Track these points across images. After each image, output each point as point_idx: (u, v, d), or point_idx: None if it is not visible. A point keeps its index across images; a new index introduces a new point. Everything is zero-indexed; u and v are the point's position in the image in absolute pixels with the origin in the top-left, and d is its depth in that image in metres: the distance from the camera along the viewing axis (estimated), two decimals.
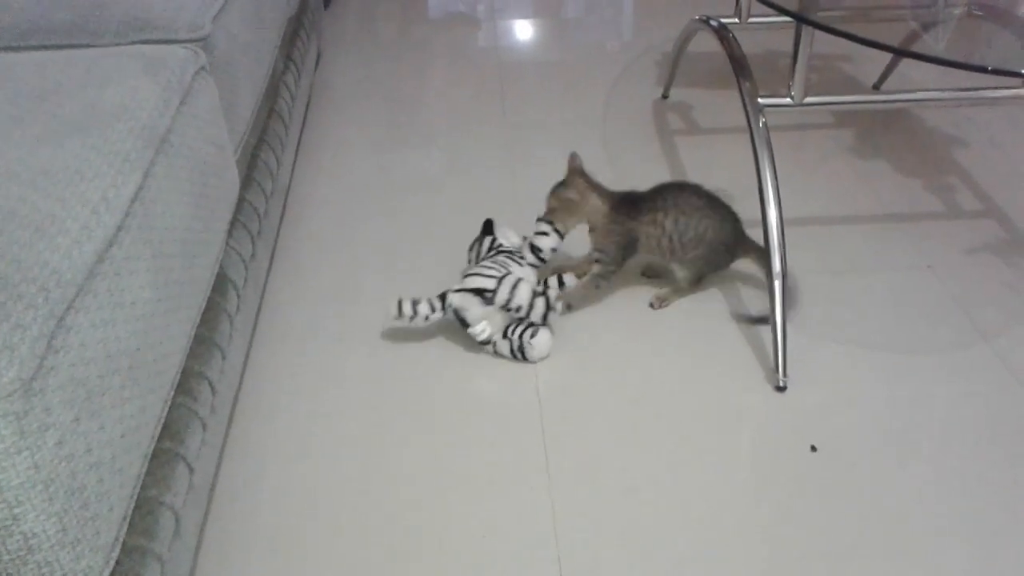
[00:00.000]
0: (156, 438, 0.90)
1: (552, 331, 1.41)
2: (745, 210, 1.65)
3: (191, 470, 0.99)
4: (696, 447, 1.25)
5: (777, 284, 1.38)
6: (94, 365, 0.75)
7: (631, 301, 1.51)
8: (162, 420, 0.91)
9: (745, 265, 1.53)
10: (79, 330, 0.74)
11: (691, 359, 1.40)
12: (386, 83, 2.30)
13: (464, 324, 1.39)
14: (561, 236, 1.49)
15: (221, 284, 1.20)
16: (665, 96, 2.18)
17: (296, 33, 2.00)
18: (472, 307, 1.38)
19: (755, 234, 1.64)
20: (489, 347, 1.41)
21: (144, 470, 0.86)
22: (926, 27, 1.45)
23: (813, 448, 1.24)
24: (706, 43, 2.30)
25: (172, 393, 0.95)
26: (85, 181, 0.84)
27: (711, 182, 1.81)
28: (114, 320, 0.80)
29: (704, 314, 1.49)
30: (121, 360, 0.80)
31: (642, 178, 1.83)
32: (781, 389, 1.34)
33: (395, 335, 1.46)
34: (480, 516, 1.16)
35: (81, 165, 0.85)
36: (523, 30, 2.61)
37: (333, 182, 1.88)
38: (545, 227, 1.50)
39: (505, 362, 1.40)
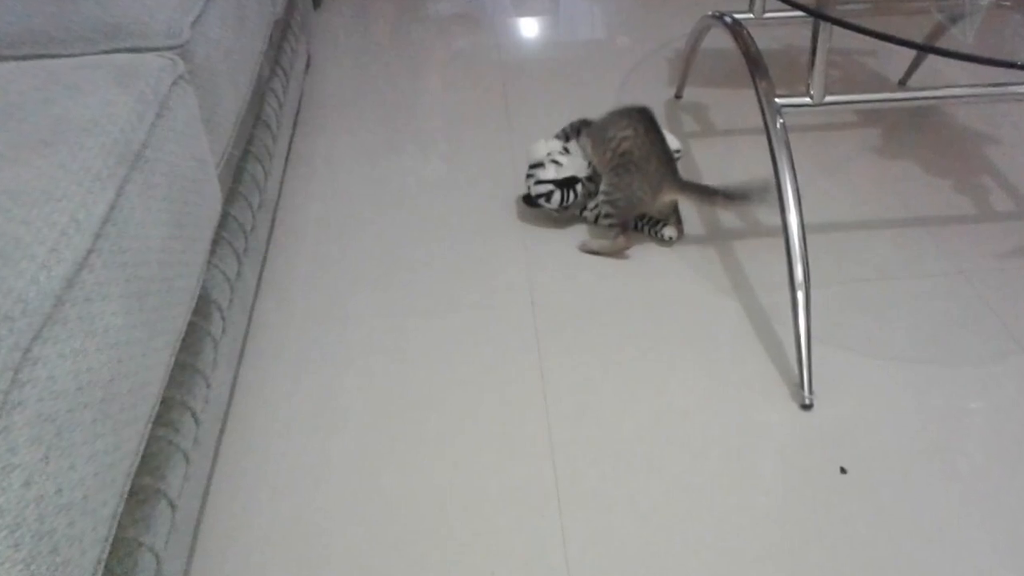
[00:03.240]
0: (133, 475, 0.88)
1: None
2: (764, 216, 1.64)
3: (173, 508, 0.98)
4: (715, 470, 1.23)
5: (800, 295, 1.36)
6: (64, 399, 0.74)
7: (644, 315, 1.50)
8: (139, 455, 0.90)
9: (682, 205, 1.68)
10: (47, 362, 0.73)
11: (709, 375, 1.39)
12: (381, 87, 2.30)
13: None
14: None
15: (204, 306, 1.19)
16: (678, 96, 2.17)
17: (283, 36, 2.00)
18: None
19: (776, 241, 1.63)
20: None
21: (120, 510, 0.85)
22: (952, 20, 1.44)
23: (843, 470, 1.23)
24: (720, 40, 2.29)
25: (150, 426, 0.93)
26: (53, 201, 0.83)
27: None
28: (85, 350, 0.79)
29: (722, 327, 1.47)
30: (93, 392, 0.79)
31: None
32: (807, 407, 1.32)
33: (394, 358, 1.45)
34: (488, 546, 1.15)
35: (48, 184, 0.84)
36: (526, 28, 2.60)
37: (325, 194, 1.88)
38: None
39: (510, 382, 1.39)
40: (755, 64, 1.55)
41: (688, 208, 1.75)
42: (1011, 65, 1.20)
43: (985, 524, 1.15)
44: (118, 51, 1.18)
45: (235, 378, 1.43)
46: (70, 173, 0.87)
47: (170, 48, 1.20)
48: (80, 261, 0.81)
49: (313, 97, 2.26)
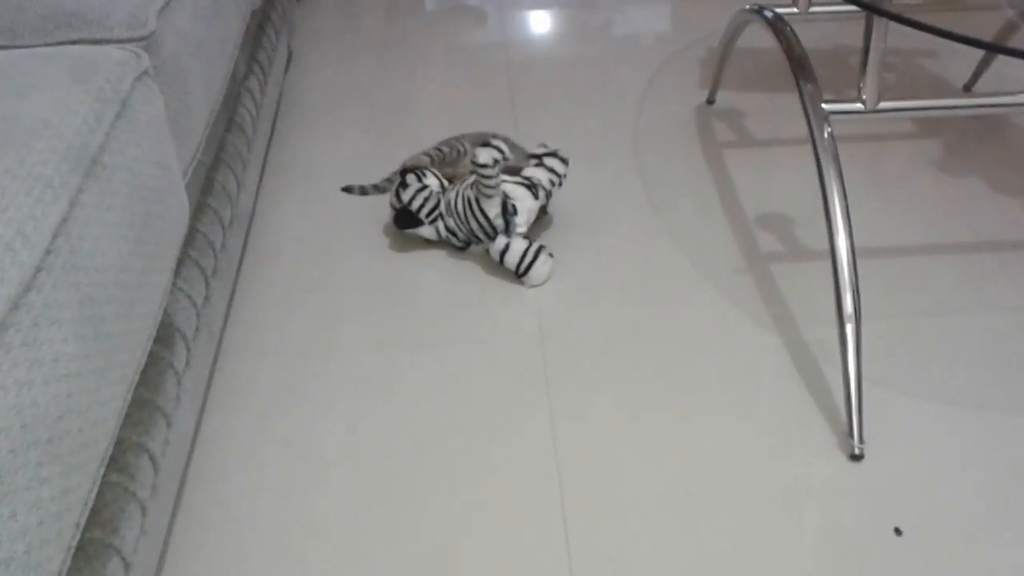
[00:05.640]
0: (82, 526, 0.88)
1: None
2: (810, 238, 1.64)
3: (127, 566, 0.98)
4: (752, 531, 1.23)
5: (849, 329, 1.36)
6: (5, 438, 0.75)
7: (669, 350, 1.50)
8: (90, 504, 0.90)
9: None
10: None
11: (744, 421, 1.38)
12: (371, 89, 2.31)
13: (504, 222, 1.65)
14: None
15: (166, 334, 1.20)
16: (710, 101, 2.19)
17: (262, 29, 2.02)
18: (524, 199, 1.67)
19: (823, 267, 1.63)
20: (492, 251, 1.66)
21: (67, 567, 0.85)
22: None
23: (897, 531, 1.22)
24: (760, 37, 2.31)
25: (103, 470, 0.94)
26: None
27: (767, 204, 1.82)
28: (31, 382, 0.79)
29: (760, 365, 1.47)
30: (39, 431, 0.79)
31: (682, 198, 1.82)
32: (856, 458, 1.32)
33: (383, 398, 1.45)
34: None
35: None
36: (538, 22, 2.62)
37: (306, 208, 1.88)
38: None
39: (516, 429, 1.38)
40: (799, 65, 1.56)
41: (723, 232, 1.76)
42: None
43: None
44: (74, 42, 1.19)
45: (200, 418, 1.43)
46: (17, 180, 0.87)
47: (133, 40, 1.21)
48: (27, 281, 0.81)
49: (294, 98, 2.28)
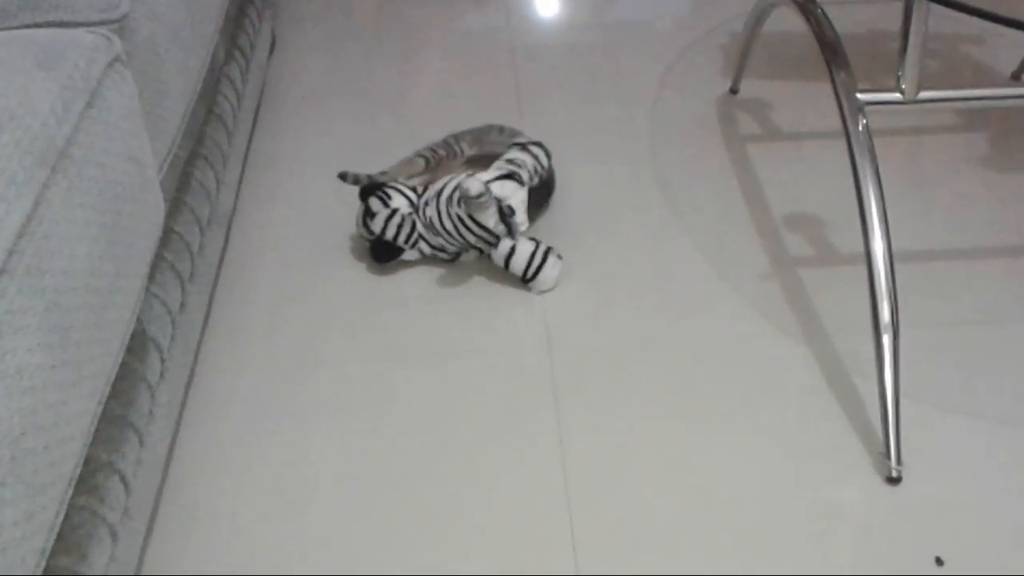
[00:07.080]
0: (48, 553, 0.89)
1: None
2: (843, 240, 1.63)
3: None
4: (778, 561, 1.23)
5: (886, 340, 1.36)
6: None
7: (689, 363, 1.50)
8: (56, 529, 0.90)
9: None
10: None
11: (771, 441, 1.39)
12: (362, 76, 2.31)
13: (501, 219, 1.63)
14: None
15: (139, 344, 1.20)
16: (734, 91, 2.19)
17: (243, 12, 2.02)
18: (514, 193, 1.66)
19: (857, 272, 1.63)
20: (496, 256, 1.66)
21: None
22: None
23: (939, 561, 1.22)
24: (788, 20, 2.31)
25: (70, 492, 0.94)
26: None
27: (796, 203, 1.82)
28: None
29: (788, 380, 1.47)
30: (0, 449, 0.79)
31: (702, 197, 1.82)
32: (894, 480, 1.32)
33: (375, 416, 1.45)
34: None
35: None
36: (545, 4, 2.62)
37: (292, 207, 1.89)
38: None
39: (521, 449, 1.38)
40: (832, 51, 1.56)
41: (748, 234, 1.76)
42: None
43: None
44: (40, 25, 1.19)
45: (175, 435, 1.43)
46: None
47: (104, 23, 1.21)
48: None
49: (278, 87, 2.28)
